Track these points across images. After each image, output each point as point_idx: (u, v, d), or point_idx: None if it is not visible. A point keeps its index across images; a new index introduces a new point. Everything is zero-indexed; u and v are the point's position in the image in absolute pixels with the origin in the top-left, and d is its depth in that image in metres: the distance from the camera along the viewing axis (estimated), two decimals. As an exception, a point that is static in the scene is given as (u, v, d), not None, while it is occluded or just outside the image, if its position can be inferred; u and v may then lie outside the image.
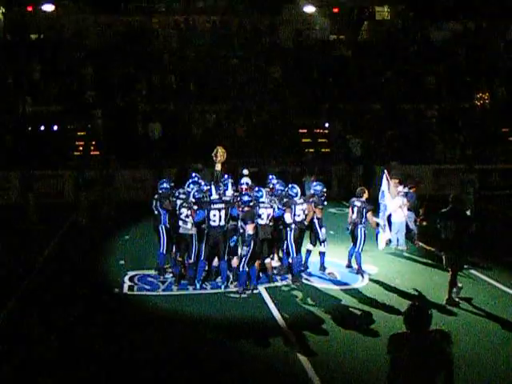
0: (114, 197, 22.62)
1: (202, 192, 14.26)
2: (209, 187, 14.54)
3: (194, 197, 14.00)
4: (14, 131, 26.83)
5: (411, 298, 12.78)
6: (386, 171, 17.76)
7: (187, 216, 13.94)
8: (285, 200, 14.55)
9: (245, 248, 13.61)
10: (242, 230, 13.77)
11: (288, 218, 14.31)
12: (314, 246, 15.50)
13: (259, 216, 13.89)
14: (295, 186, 14.83)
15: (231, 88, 30.33)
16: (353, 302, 13.30)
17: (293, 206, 14.39)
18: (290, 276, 14.73)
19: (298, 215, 14.47)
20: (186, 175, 17.62)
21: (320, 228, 15.20)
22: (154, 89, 30.23)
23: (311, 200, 15.07)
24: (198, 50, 32.05)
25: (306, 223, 14.81)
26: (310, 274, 15.13)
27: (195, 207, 13.81)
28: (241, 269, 13.73)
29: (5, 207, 23.00)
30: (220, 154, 16.01)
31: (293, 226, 14.36)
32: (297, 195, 14.57)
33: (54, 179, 25.07)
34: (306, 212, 14.70)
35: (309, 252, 15.50)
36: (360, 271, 15.20)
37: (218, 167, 15.79)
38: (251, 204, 13.83)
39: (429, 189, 23.30)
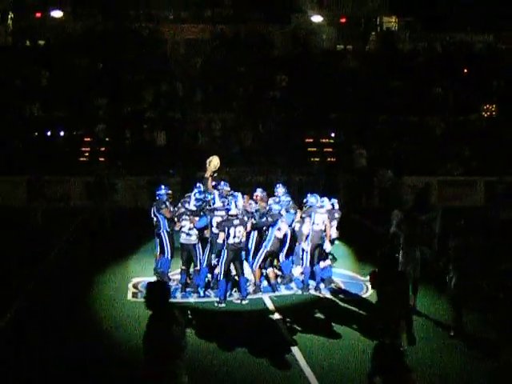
0: (109, 209, 22.12)
1: (201, 200, 14.35)
2: (212, 196, 14.65)
3: (194, 205, 14.18)
4: (21, 136, 26.92)
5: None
6: None
7: (190, 229, 14.01)
8: (304, 208, 14.60)
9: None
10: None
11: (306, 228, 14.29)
12: None
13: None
14: (315, 194, 14.89)
15: (238, 97, 30.37)
16: (356, 312, 13.25)
17: (312, 214, 14.29)
18: (294, 285, 14.72)
19: (317, 224, 14.33)
20: (190, 183, 17.67)
21: None
22: (161, 96, 30.25)
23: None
24: (205, 58, 32.10)
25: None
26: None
27: (196, 218, 13.94)
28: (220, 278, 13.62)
29: (11, 210, 22.64)
30: (213, 163, 15.99)
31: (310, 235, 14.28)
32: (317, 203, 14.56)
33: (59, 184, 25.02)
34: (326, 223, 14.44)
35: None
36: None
37: (207, 175, 15.77)
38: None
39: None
